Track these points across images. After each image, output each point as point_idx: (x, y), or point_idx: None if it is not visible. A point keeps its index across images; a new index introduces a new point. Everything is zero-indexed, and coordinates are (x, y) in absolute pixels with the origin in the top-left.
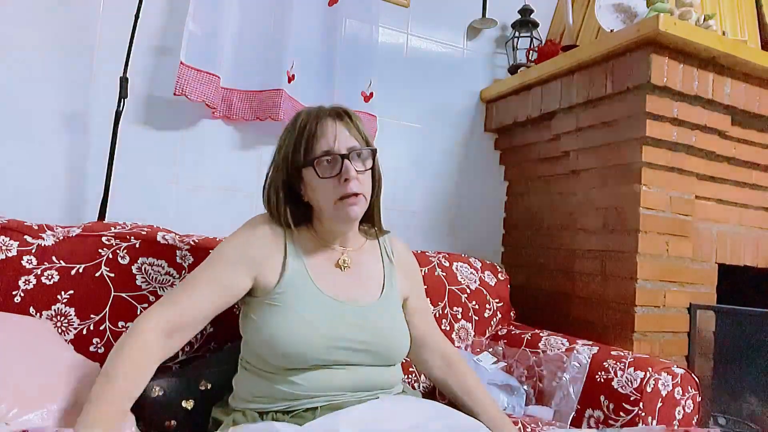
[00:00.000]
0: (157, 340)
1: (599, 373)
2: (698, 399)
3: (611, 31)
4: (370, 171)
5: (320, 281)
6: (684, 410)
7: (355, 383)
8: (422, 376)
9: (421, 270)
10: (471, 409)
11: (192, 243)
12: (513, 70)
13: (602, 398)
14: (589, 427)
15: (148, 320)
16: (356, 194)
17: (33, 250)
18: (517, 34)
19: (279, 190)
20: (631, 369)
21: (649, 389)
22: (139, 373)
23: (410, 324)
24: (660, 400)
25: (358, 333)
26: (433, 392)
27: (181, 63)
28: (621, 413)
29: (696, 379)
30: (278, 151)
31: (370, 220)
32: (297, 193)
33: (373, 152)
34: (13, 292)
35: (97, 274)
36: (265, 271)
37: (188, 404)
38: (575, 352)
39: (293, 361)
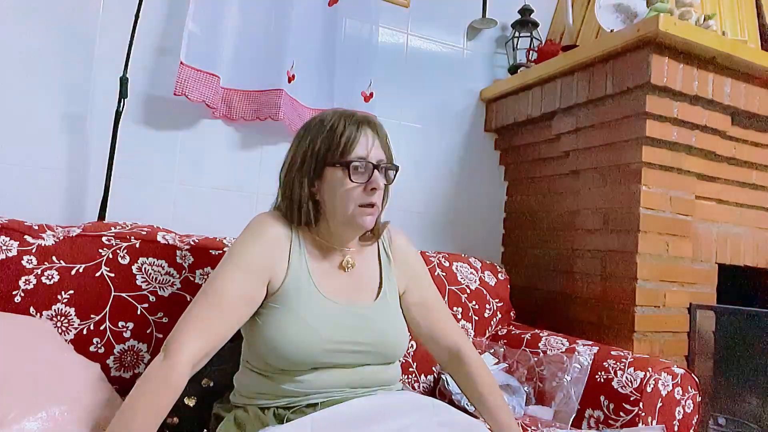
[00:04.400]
0: (185, 377)
1: (599, 373)
2: (698, 399)
3: (611, 31)
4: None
5: (321, 283)
6: (684, 410)
7: (355, 381)
8: (422, 376)
9: None
10: (479, 412)
11: (192, 243)
12: (513, 70)
13: (602, 398)
14: (590, 427)
15: (181, 352)
16: (374, 205)
17: (33, 250)
18: (517, 34)
19: (304, 185)
20: (631, 369)
21: (649, 389)
22: (160, 415)
23: (411, 318)
24: (660, 400)
25: (357, 335)
26: (433, 392)
27: (181, 63)
28: (621, 413)
29: (696, 379)
30: (302, 146)
31: (373, 228)
32: (311, 191)
33: (396, 169)
34: (13, 292)
35: (97, 274)
36: (274, 276)
37: (190, 401)
38: (576, 353)
39: (294, 364)
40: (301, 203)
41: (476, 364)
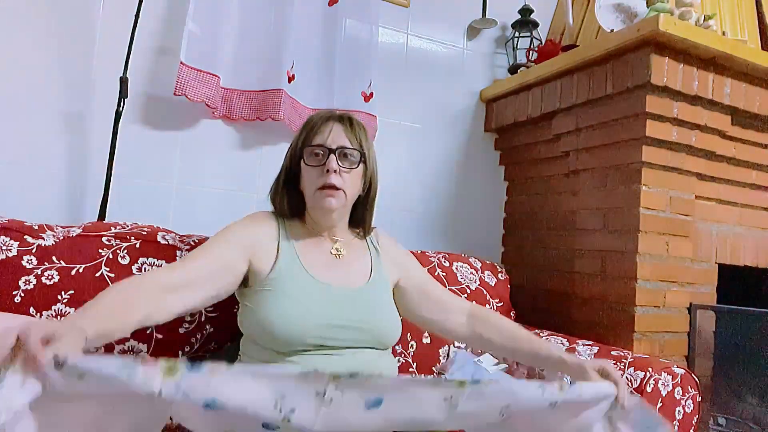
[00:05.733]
0: (153, 287)
1: None
2: (698, 399)
3: (611, 31)
4: (361, 172)
5: (311, 268)
6: (684, 410)
7: (353, 368)
8: (422, 376)
9: None
10: (516, 348)
11: (192, 243)
12: (513, 70)
13: None
14: None
15: (144, 275)
16: (335, 187)
17: (33, 250)
18: (517, 34)
19: (280, 178)
20: (631, 369)
21: (649, 389)
22: (124, 308)
23: (416, 300)
24: (660, 400)
25: (349, 313)
26: None
27: (181, 63)
28: None
29: (696, 379)
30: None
31: (361, 223)
32: (296, 184)
33: (362, 155)
34: (13, 292)
35: (97, 274)
36: (258, 256)
37: None
38: (577, 353)
39: (289, 343)
40: (276, 197)
41: (494, 315)
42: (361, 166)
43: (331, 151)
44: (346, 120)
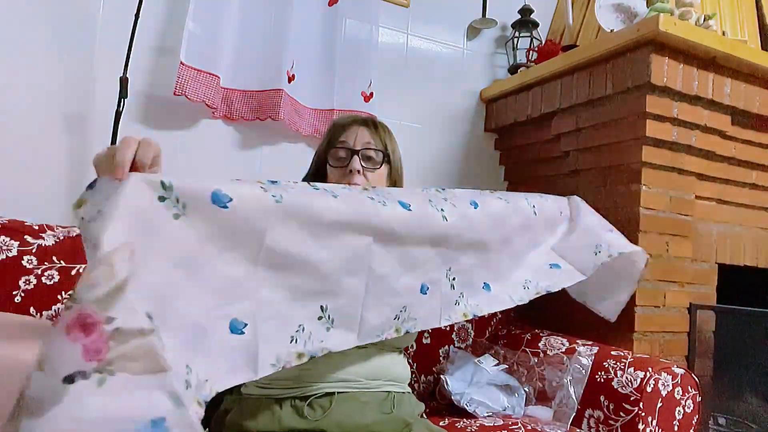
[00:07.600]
0: None
1: (599, 373)
2: (698, 399)
3: (611, 31)
4: (385, 173)
5: None
6: (684, 410)
7: (368, 370)
8: (422, 376)
9: None
10: None
11: None
12: (513, 70)
13: (602, 398)
14: (590, 427)
15: None
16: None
17: (33, 250)
18: (517, 34)
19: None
20: (631, 369)
21: (649, 389)
22: None
23: None
24: (660, 400)
25: None
26: (432, 393)
27: (181, 63)
28: (621, 413)
29: (696, 379)
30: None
31: None
32: None
33: (385, 155)
34: (13, 292)
35: None
36: None
37: None
38: (577, 353)
39: None
40: None
41: None
42: (385, 166)
43: (355, 152)
44: (370, 122)
